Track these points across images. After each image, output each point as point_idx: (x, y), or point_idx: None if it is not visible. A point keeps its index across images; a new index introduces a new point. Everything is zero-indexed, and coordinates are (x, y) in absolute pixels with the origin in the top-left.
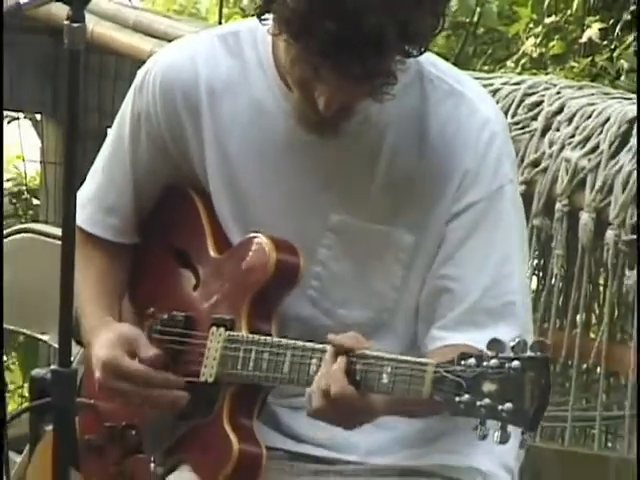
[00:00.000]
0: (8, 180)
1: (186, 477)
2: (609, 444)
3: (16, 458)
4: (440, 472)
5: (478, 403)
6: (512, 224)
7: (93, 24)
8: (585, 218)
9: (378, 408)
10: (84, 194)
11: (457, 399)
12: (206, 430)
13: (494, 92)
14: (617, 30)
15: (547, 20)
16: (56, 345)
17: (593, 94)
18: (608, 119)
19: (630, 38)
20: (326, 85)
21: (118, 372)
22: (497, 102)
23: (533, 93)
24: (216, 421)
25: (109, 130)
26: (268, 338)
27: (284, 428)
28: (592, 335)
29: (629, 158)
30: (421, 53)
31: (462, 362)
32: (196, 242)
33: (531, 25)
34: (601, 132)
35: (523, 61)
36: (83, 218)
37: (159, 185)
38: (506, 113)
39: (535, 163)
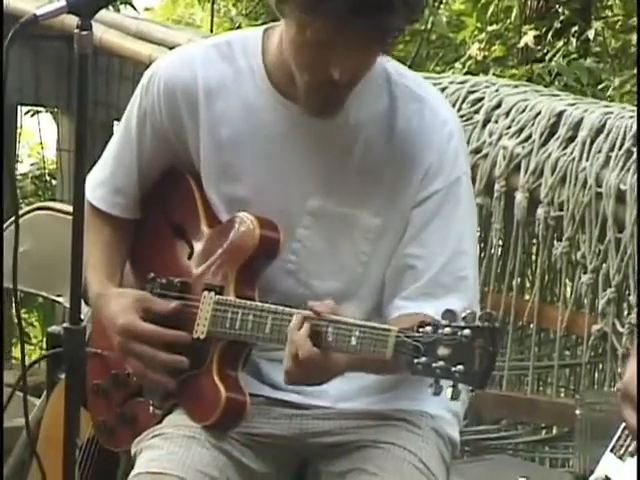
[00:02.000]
0: (32, 164)
1: (181, 419)
2: (540, 389)
3: (36, 402)
4: (395, 415)
5: (434, 365)
6: (467, 209)
7: (101, 32)
8: (520, 197)
9: (343, 366)
10: (97, 177)
11: (415, 361)
12: (198, 380)
13: (443, 89)
14: (549, 37)
15: (489, 28)
16: (68, 305)
17: (527, 92)
18: (539, 113)
19: (560, 44)
20: (342, 51)
21: (135, 334)
22: (445, 98)
23: (475, 91)
24: (207, 373)
25: (116, 122)
26: (253, 303)
27: (264, 377)
28: (526, 297)
29: (557, 146)
30: (417, 21)
31: (420, 329)
32: (190, 218)
33: (476, 32)
34: (533, 124)
35: (469, 63)
36: (96, 197)
37: (160, 169)
38: (453, 107)
39: (477, 150)
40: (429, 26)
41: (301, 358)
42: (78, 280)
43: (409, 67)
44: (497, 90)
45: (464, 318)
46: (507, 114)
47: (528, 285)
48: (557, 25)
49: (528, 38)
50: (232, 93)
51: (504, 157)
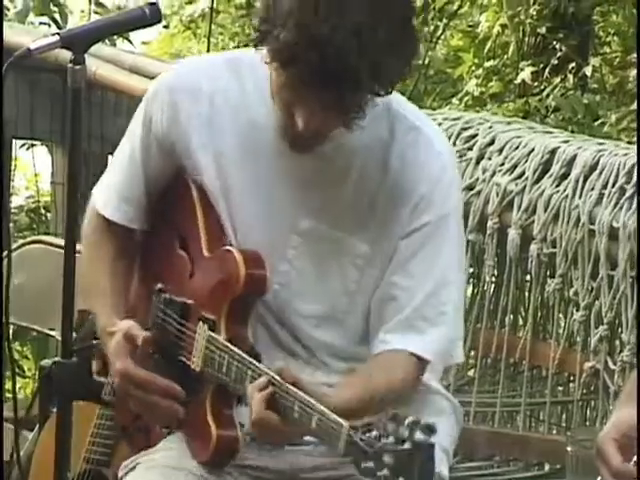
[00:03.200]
0: (28, 197)
1: (166, 446)
2: (532, 426)
3: (28, 436)
4: None
5: (379, 473)
6: (455, 243)
7: (96, 66)
8: (512, 234)
9: (299, 436)
10: (105, 188)
11: (362, 465)
12: (194, 411)
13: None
14: (546, 73)
15: (487, 64)
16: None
17: (520, 128)
18: (533, 150)
19: (557, 80)
20: (305, 110)
21: (130, 381)
22: None
23: (469, 127)
24: (201, 406)
25: (110, 156)
26: (236, 350)
27: None
28: (519, 334)
29: (550, 183)
30: (388, 93)
31: (367, 434)
32: (193, 236)
33: (473, 68)
34: (526, 161)
35: (466, 99)
36: (103, 207)
37: (166, 178)
38: None
39: (470, 187)
40: (426, 61)
41: (254, 419)
42: (70, 314)
43: None
44: (490, 127)
45: (409, 425)
46: (500, 151)
47: (521, 322)
48: (554, 61)
49: (525, 74)
50: (236, 108)
51: (497, 194)
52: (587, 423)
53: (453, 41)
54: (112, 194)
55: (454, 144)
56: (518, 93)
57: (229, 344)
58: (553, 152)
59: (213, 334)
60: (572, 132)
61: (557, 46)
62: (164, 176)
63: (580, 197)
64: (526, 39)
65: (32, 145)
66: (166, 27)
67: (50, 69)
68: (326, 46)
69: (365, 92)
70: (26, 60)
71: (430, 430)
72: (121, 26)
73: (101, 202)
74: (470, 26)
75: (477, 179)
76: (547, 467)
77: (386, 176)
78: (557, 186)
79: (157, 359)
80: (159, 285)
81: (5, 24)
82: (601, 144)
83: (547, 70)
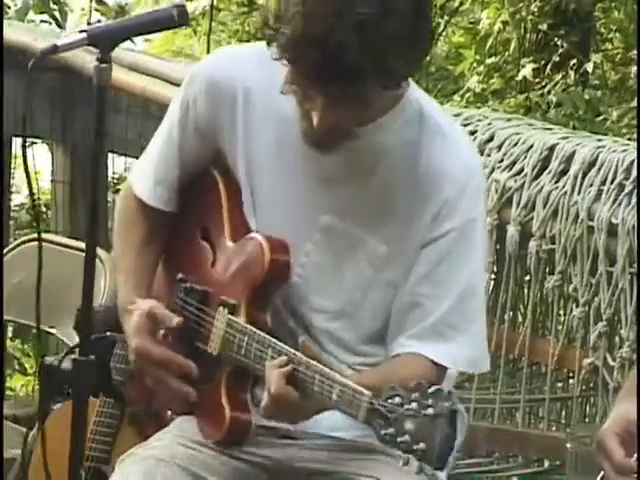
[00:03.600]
0: (28, 195)
1: (159, 437)
2: (532, 423)
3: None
4: (380, 449)
5: (399, 439)
6: (480, 250)
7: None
8: (511, 231)
9: (317, 410)
10: (140, 170)
11: (382, 431)
12: (209, 394)
13: None
14: (548, 69)
15: (488, 60)
16: (61, 337)
17: (519, 125)
18: (532, 146)
19: (558, 76)
20: (315, 107)
21: (147, 359)
22: None
23: (468, 124)
24: (216, 389)
25: (110, 154)
26: (257, 332)
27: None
28: (518, 330)
29: (549, 179)
30: (400, 87)
31: (389, 400)
32: (217, 226)
33: (474, 65)
34: (525, 157)
35: (467, 95)
36: (138, 189)
37: (200, 165)
38: None
39: None
40: (428, 58)
41: (273, 394)
42: (88, 313)
43: None
44: (490, 123)
45: (432, 394)
46: (499, 147)
47: (520, 318)
48: (556, 58)
49: (527, 70)
50: (268, 99)
51: (496, 190)
52: (587, 420)
53: (454, 38)
54: (147, 176)
55: None
56: (519, 89)
57: (249, 325)
58: (552, 148)
59: (233, 317)
60: (574, 128)
61: (558, 43)
62: (198, 162)
63: (579, 193)
64: (527, 36)
65: (33, 143)
66: None
67: (50, 67)
68: (328, 43)
69: (373, 87)
70: (25, 58)
71: (453, 398)
72: (148, 26)
73: (137, 184)
74: (471, 23)
75: None
76: (547, 463)
77: (412, 179)
78: (556, 182)
79: (173, 345)
80: (180, 275)
81: (5, 22)
82: (600, 140)
83: (548, 67)
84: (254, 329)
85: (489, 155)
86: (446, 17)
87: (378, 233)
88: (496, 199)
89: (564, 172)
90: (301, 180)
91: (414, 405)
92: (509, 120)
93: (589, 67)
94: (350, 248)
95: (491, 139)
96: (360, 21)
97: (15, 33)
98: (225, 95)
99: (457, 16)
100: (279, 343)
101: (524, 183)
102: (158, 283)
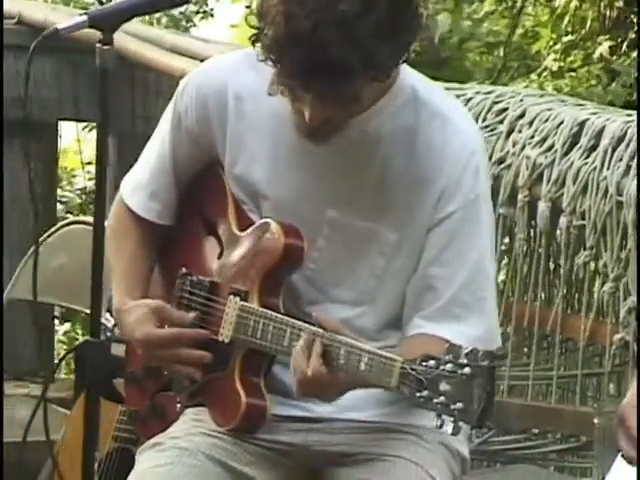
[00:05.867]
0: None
1: (182, 428)
2: (566, 398)
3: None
4: (403, 429)
5: (435, 400)
6: (485, 227)
7: (136, 45)
8: (542, 207)
9: (349, 385)
10: (134, 181)
11: (417, 394)
12: (221, 383)
13: (468, 100)
14: (624, 46)
15: (565, 39)
16: (103, 321)
17: (551, 101)
18: (562, 122)
19: (634, 54)
20: (304, 104)
21: (154, 343)
22: (470, 109)
23: (500, 101)
24: (229, 376)
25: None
26: (273, 313)
27: (275, 382)
28: (550, 306)
29: (578, 155)
30: (388, 76)
31: (424, 363)
32: (223, 217)
33: (551, 43)
34: (556, 133)
35: (545, 74)
36: (132, 201)
37: (194, 170)
38: (477, 118)
39: (501, 160)
40: (504, 39)
41: (310, 376)
42: (98, 294)
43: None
44: (521, 100)
45: (466, 354)
46: (530, 123)
47: (552, 294)
48: (632, 35)
49: (603, 48)
50: (259, 101)
51: (527, 167)
52: (619, 394)
53: (530, 18)
54: (140, 189)
55: (485, 118)
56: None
57: (263, 308)
58: (582, 124)
59: (246, 303)
60: None
61: (635, 20)
62: (193, 169)
63: (608, 169)
64: (604, 13)
65: (92, 127)
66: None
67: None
68: (309, 41)
69: (361, 80)
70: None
71: (489, 356)
72: (150, 5)
73: (129, 195)
74: (548, 1)
75: (507, 152)
76: (584, 439)
77: (410, 164)
78: (586, 158)
79: None
80: (183, 270)
81: (48, 6)
82: (629, 115)
83: (625, 44)
84: (268, 311)
85: (520, 131)
86: None
87: (385, 222)
88: (527, 176)
89: (594, 147)
90: (299, 175)
91: (449, 366)
92: (542, 96)
93: None
94: (361, 240)
95: (522, 115)
96: (342, 17)
97: (59, 16)
98: (216, 103)
99: None
100: (297, 322)
101: (554, 159)
102: (154, 286)
